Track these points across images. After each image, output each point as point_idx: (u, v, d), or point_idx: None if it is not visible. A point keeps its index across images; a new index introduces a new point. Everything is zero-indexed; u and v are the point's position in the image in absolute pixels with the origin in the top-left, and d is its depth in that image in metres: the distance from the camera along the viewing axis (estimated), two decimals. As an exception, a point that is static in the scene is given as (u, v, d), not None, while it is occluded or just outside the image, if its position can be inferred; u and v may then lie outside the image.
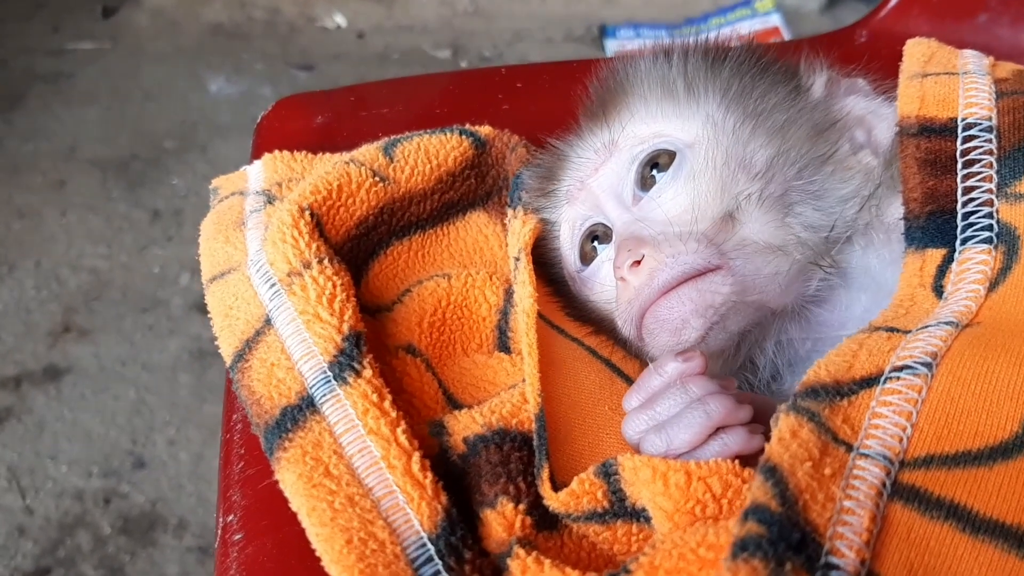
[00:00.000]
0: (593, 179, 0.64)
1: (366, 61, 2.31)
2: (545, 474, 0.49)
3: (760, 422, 0.50)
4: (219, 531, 0.54)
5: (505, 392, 0.54)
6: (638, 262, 0.56)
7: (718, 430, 0.49)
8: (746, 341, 0.58)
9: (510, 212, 0.67)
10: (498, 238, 0.68)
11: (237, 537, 0.53)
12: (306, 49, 2.34)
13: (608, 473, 0.48)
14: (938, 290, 0.51)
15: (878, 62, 0.69)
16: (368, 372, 0.52)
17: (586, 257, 0.65)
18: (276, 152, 0.75)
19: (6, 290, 1.74)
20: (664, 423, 0.50)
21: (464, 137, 0.71)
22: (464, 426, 0.52)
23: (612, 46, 2.32)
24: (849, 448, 0.42)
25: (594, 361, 0.60)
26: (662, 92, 0.63)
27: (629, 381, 0.59)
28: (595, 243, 0.65)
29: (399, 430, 0.50)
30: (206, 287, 0.64)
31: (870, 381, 0.45)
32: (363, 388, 0.51)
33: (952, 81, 0.56)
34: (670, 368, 0.53)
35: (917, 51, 0.64)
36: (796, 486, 0.39)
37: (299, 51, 2.33)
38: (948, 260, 0.52)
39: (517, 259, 0.62)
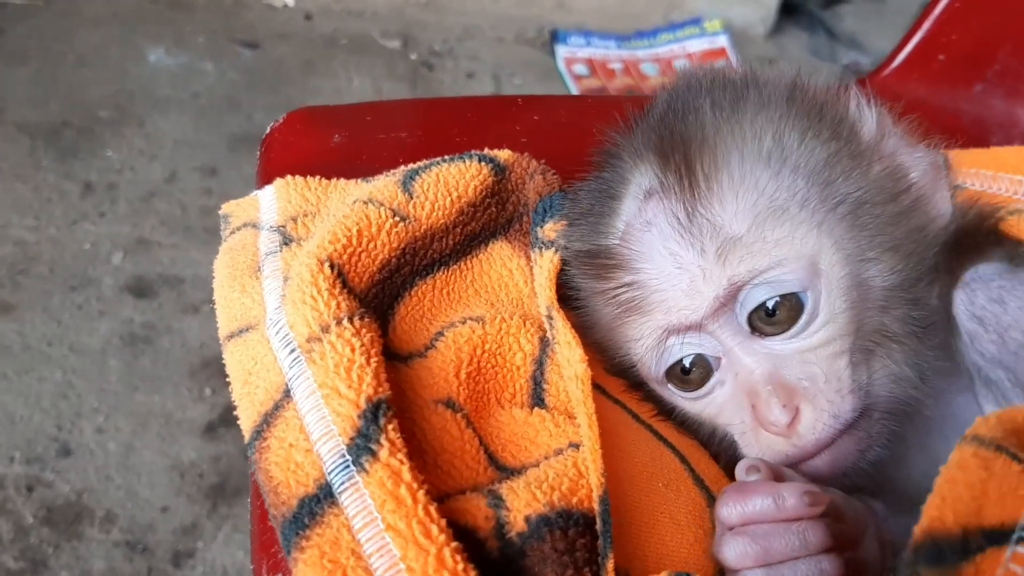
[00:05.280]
0: (701, 317, 0.56)
1: (313, 44, 2.25)
2: (610, 564, 0.47)
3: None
4: None
5: (556, 460, 0.52)
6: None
7: None
8: None
9: (534, 254, 0.65)
10: (523, 272, 0.66)
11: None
12: (251, 26, 2.27)
13: None
14: None
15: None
16: (384, 452, 0.48)
17: (677, 375, 0.59)
18: (289, 178, 0.71)
19: (-77, 256, 1.65)
20: (776, 569, 0.48)
21: (483, 164, 0.68)
22: (525, 503, 0.49)
23: (562, 52, 2.32)
24: None
25: (641, 429, 0.58)
26: (770, 207, 0.55)
27: (676, 452, 0.58)
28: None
29: (414, 521, 0.46)
30: (223, 344, 0.60)
31: (1000, 536, 0.40)
32: (379, 475, 0.48)
33: None
34: (792, 506, 0.49)
35: None
36: None
37: (243, 27, 2.26)
38: None
39: (550, 317, 0.59)
